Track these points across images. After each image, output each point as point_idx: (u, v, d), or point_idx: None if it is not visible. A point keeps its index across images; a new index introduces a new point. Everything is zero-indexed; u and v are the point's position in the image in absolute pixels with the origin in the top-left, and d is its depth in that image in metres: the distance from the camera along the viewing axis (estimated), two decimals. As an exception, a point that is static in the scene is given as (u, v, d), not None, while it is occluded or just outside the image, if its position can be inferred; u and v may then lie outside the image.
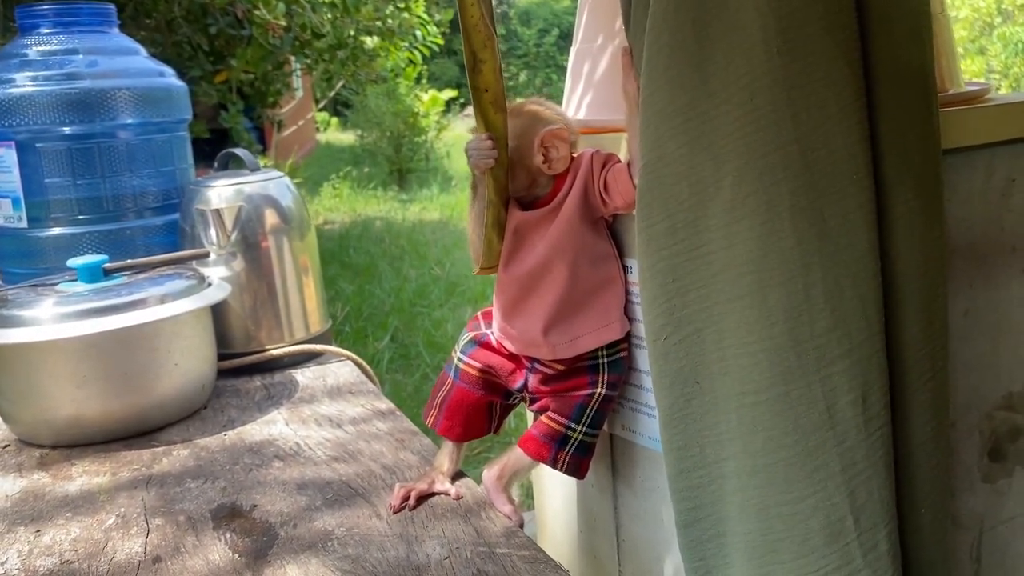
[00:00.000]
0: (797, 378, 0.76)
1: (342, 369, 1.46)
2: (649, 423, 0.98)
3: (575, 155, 0.94)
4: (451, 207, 8.28)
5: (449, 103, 12.09)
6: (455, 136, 11.93)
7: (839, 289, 0.76)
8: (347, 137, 14.15)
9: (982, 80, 2.29)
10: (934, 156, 0.79)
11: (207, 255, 1.39)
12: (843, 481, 0.76)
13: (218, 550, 0.89)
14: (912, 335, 0.80)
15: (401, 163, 10.26)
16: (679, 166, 0.80)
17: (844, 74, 0.75)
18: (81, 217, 1.44)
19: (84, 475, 1.10)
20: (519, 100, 0.97)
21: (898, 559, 0.80)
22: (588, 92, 1.03)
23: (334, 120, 16.95)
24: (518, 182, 0.94)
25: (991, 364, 0.94)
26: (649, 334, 0.86)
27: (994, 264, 0.91)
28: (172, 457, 1.14)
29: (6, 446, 1.22)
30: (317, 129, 15.16)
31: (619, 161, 0.92)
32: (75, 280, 1.26)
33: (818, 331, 0.76)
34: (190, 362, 1.26)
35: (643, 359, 1.01)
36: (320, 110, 14.20)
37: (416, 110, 10.61)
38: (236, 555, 0.88)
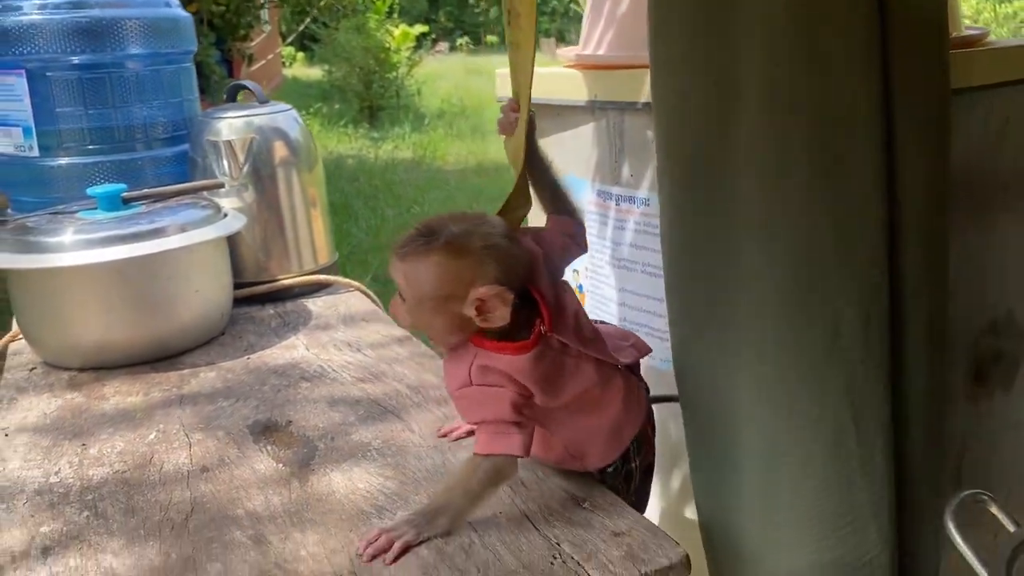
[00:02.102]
0: (806, 296, 0.82)
1: (352, 299, 1.51)
2: (660, 345, 1.04)
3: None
4: (424, 146, 8.24)
5: (420, 38, 11.90)
6: (426, 72, 11.78)
7: (847, 217, 0.82)
8: (314, 72, 13.89)
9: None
10: (944, 97, 0.85)
11: (221, 186, 1.42)
12: (846, 396, 0.83)
13: (262, 460, 0.94)
14: (913, 264, 0.87)
15: (372, 100, 10.13)
16: (700, 100, 0.85)
17: (861, 15, 0.80)
18: (92, 147, 1.46)
19: (117, 395, 1.14)
20: (443, 217, 0.80)
21: (892, 473, 0.88)
22: (609, 29, 1.06)
23: (300, 55, 16.62)
24: (435, 324, 0.79)
25: (979, 293, 1.02)
26: (668, 261, 0.92)
27: (987, 200, 0.98)
28: (200, 379, 1.18)
29: (33, 368, 1.25)
30: (283, 64, 14.86)
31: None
32: (95, 208, 1.28)
33: (826, 255, 0.82)
34: (210, 289, 1.30)
35: (655, 287, 1.07)
36: (287, 44, 13.91)
37: (387, 45, 10.44)
38: (280, 464, 0.93)
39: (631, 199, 1.05)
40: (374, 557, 0.74)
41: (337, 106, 10.38)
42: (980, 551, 0.70)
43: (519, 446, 0.77)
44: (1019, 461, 1.01)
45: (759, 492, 0.85)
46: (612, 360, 0.85)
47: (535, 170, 0.91)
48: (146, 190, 1.35)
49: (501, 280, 0.76)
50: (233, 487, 0.89)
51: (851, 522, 0.84)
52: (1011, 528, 0.74)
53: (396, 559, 0.74)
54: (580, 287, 1.19)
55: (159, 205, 1.32)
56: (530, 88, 0.89)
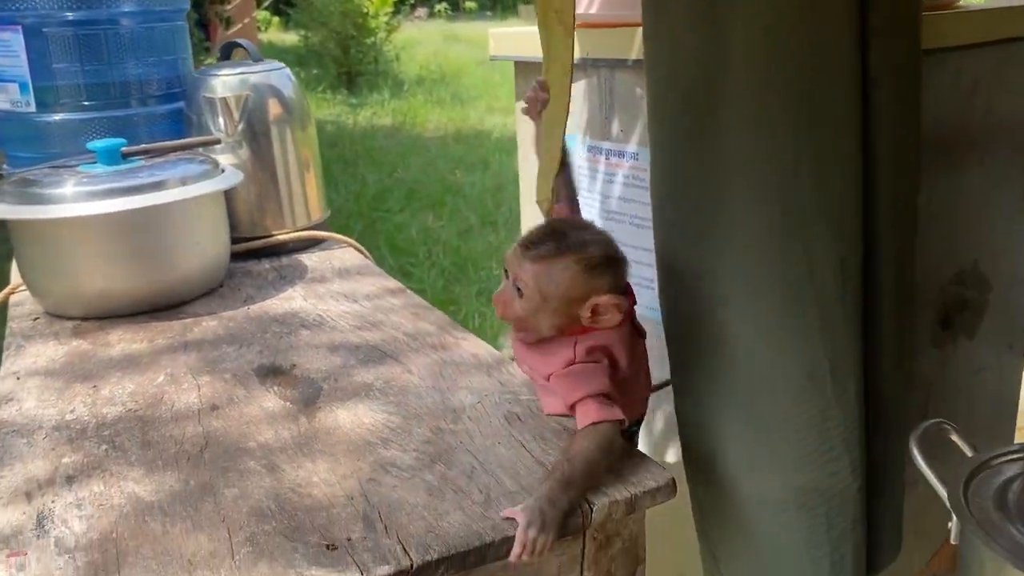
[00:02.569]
0: (785, 240, 0.87)
1: (345, 254, 1.55)
2: (649, 295, 1.10)
3: None
4: (403, 113, 8.22)
5: (398, 4, 11.79)
6: (405, 38, 11.70)
7: (823, 163, 0.87)
8: (289, 37, 13.76)
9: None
10: (916, 55, 0.90)
11: (217, 142, 1.45)
12: (821, 333, 0.89)
13: (269, 400, 0.99)
14: (886, 212, 0.92)
15: (350, 65, 10.07)
16: (690, 54, 0.89)
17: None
18: (87, 103, 1.48)
19: (122, 342, 1.18)
20: (563, 222, 0.91)
21: (863, 409, 0.94)
22: (602, -12, 1.11)
23: (275, 19, 16.41)
24: (548, 322, 0.85)
25: (948, 244, 1.08)
26: (655, 200, 0.96)
27: (956, 156, 1.04)
28: (203, 327, 1.23)
29: (36, 318, 1.29)
30: (258, 29, 14.67)
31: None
32: (94, 163, 1.31)
33: (803, 197, 0.87)
34: (209, 242, 1.34)
35: (642, 238, 1.12)
36: (262, 9, 13.73)
37: (365, 10, 10.36)
38: (287, 403, 0.98)
39: (620, 153, 1.09)
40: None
41: (315, 71, 10.30)
42: (941, 475, 0.77)
43: (621, 413, 0.82)
44: (979, 403, 1.08)
45: (740, 419, 0.91)
46: (641, 328, 0.90)
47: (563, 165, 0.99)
48: (144, 145, 1.38)
49: (615, 288, 0.85)
50: (243, 423, 0.94)
51: (826, 452, 0.90)
52: (969, 454, 0.80)
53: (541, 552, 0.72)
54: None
55: (157, 160, 1.35)
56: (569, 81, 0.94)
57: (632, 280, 1.14)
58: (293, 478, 0.82)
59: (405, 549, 0.70)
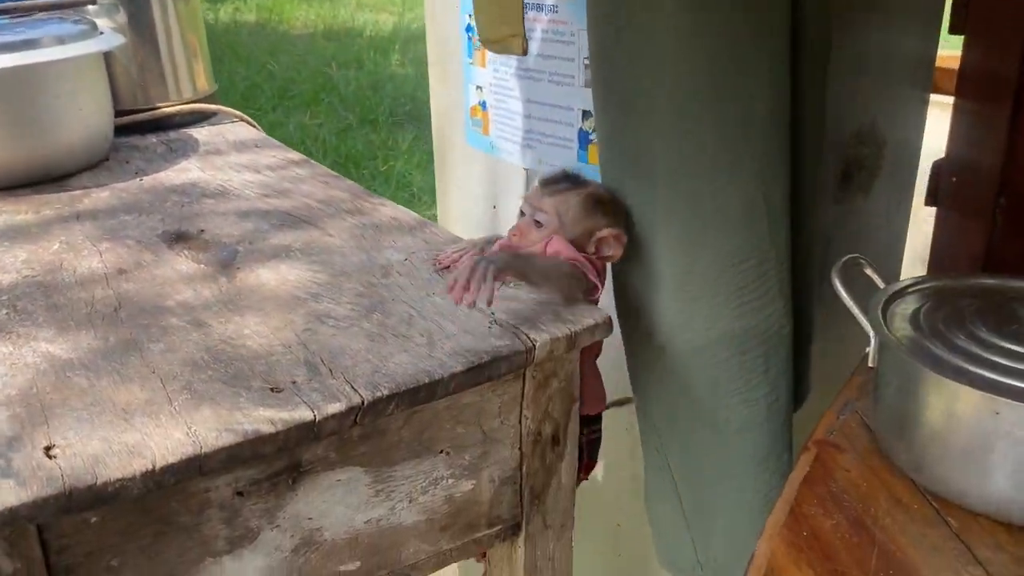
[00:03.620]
0: (725, 79, 0.88)
1: (238, 128, 1.47)
2: (565, 155, 1.09)
3: None
4: (268, 9, 7.78)
5: None
6: (265, -69, 10.97)
7: (760, 25, 0.88)
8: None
9: None
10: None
11: (92, 2, 1.33)
12: (757, 176, 0.91)
13: (181, 263, 0.94)
14: (807, 63, 0.94)
15: (206, -42, 9.40)
16: None
17: None
18: (-64, -43, 1.32)
19: (4, 214, 1.09)
20: (573, 171, 0.97)
21: (789, 239, 0.97)
22: None
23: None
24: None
25: (848, 104, 1.12)
26: (594, 52, 0.94)
27: (855, 11, 1.07)
28: (93, 198, 1.14)
29: None
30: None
31: None
32: (-47, 20, 1.18)
33: (743, 48, 0.87)
34: (92, 109, 1.24)
35: (562, 95, 1.11)
36: None
37: (220, -102, 9.63)
38: (201, 265, 0.93)
39: (539, 6, 1.07)
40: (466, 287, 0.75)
41: (168, -36, 9.56)
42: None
43: (595, 282, 0.88)
44: (874, 257, 1.14)
45: (680, 270, 0.93)
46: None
47: None
48: (8, 3, 1.25)
49: (619, 226, 0.94)
50: (157, 284, 0.89)
51: (763, 295, 0.93)
52: (881, 285, 0.85)
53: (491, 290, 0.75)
54: (483, 104, 1.21)
55: (24, 19, 1.23)
56: None
57: (550, 141, 1.14)
58: (222, 332, 0.79)
59: (354, 388, 0.69)
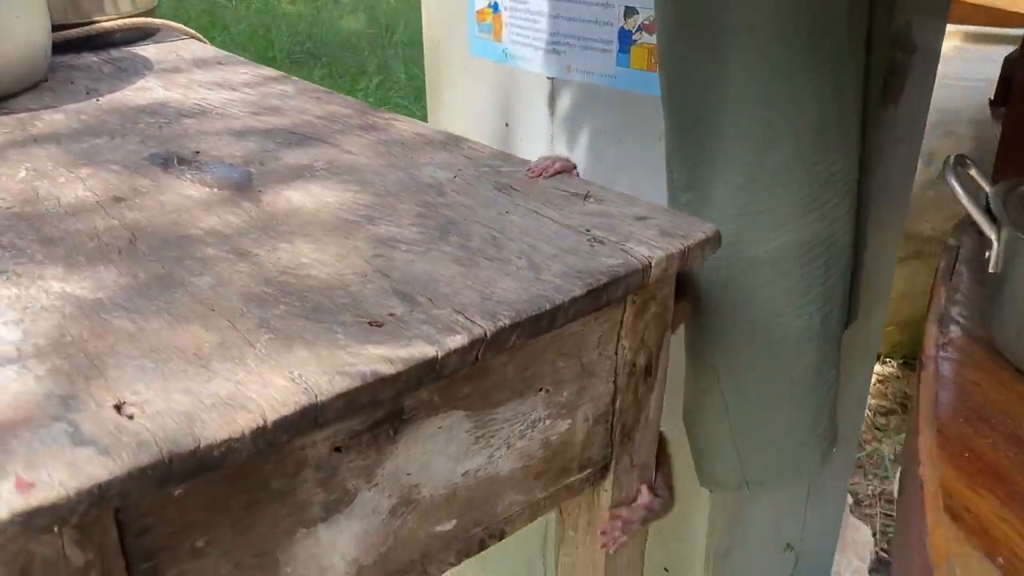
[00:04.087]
0: None
1: (191, 45, 1.29)
2: (602, 59, 0.99)
3: None
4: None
5: None
6: None
7: None
8: None
9: None
10: None
11: None
12: (830, 74, 0.83)
13: (187, 187, 0.79)
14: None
15: None
16: None
17: None
18: None
19: (-62, 140, 0.90)
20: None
21: (858, 145, 0.91)
22: None
23: None
24: None
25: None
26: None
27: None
28: (47, 121, 0.96)
29: None
30: None
31: None
32: None
33: None
34: (29, 18, 1.05)
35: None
36: None
37: None
38: (213, 189, 0.79)
39: None
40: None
41: None
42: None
43: None
44: (899, 173, 1.09)
45: (742, 186, 0.85)
46: None
47: None
48: None
49: None
50: (168, 212, 0.74)
51: (828, 200, 0.86)
52: (987, 188, 0.79)
53: None
54: (495, 6, 1.08)
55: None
56: None
57: (581, 44, 1.03)
58: (275, 262, 0.65)
59: (468, 318, 0.58)
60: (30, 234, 0.69)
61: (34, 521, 0.41)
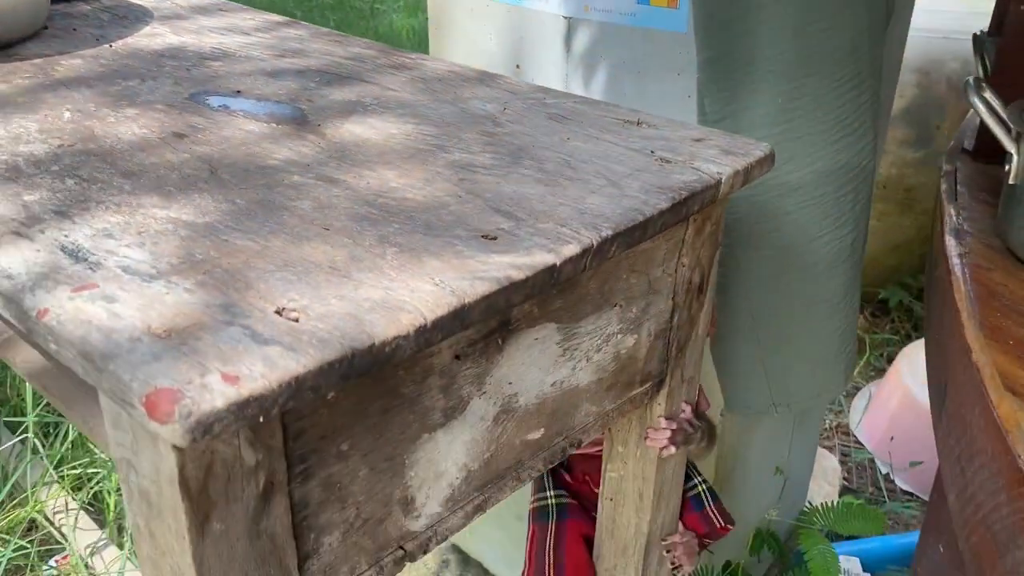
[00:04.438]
0: None
1: (183, -7, 1.27)
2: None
3: None
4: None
5: None
6: None
7: None
8: None
9: None
10: None
11: None
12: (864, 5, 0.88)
13: (243, 123, 0.79)
14: None
15: None
16: None
17: None
18: None
19: (-39, 84, 0.88)
20: None
21: (881, 70, 0.96)
22: None
23: None
24: None
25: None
26: None
27: None
28: (65, 67, 0.95)
29: None
30: None
31: None
32: None
33: None
34: (32, -39, 1.02)
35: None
36: None
37: None
38: (272, 124, 0.79)
39: None
40: None
41: None
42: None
43: None
44: (887, 97, 1.15)
45: (777, 113, 0.89)
46: None
47: None
48: None
49: None
50: (236, 145, 0.75)
51: (858, 128, 0.92)
52: (998, 106, 0.85)
53: None
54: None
55: None
56: None
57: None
58: (366, 187, 0.67)
59: (573, 231, 0.61)
60: (106, 168, 0.69)
61: (245, 411, 0.43)
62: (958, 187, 0.98)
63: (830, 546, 1.33)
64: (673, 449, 0.85)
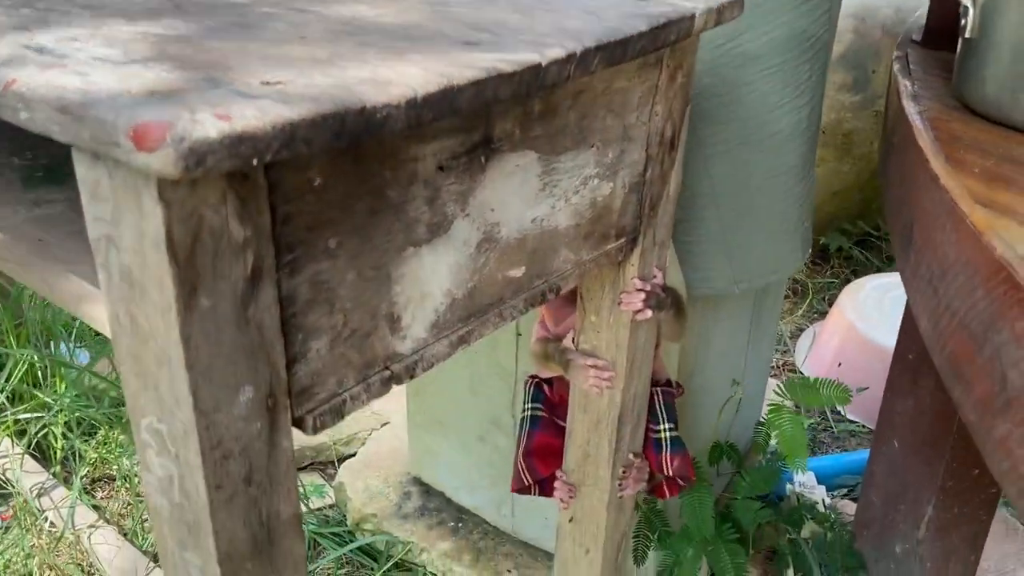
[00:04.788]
0: None
1: None
2: None
3: None
4: None
5: None
6: None
7: None
8: None
9: None
10: None
11: None
12: None
13: None
14: None
15: None
16: None
17: None
18: None
19: None
20: None
21: None
22: None
23: None
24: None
25: None
26: None
27: None
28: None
29: None
30: None
31: None
32: None
33: None
34: None
35: None
36: None
37: None
38: None
39: None
40: None
41: None
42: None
43: None
44: None
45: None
46: None
47: None
48: None
49: None
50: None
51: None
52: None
53: None
54: None
55: None
56: None
57: None
58: (337, 14, 0.66)
59: (557, 41, 0.61)
60: (64, 3, 0.66)
61: (239, 149, 0.41)
62: (911, 66, 1.01)
63: (799, 416, 1.32)
64: (649, 313, 0.85)
